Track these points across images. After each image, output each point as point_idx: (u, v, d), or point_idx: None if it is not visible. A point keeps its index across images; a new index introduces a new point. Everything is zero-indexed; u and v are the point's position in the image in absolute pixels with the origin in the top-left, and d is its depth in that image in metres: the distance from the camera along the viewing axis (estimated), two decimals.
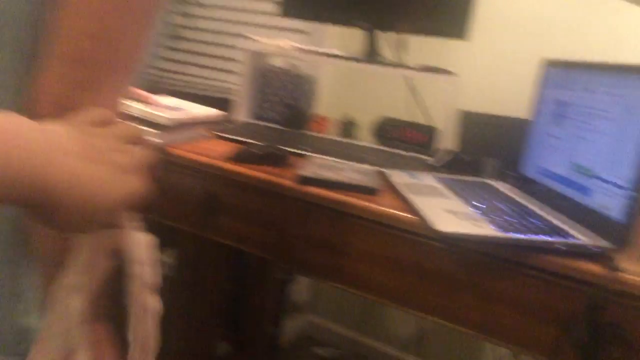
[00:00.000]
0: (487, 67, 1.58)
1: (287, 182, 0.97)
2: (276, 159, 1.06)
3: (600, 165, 0.85)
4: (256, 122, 1.45)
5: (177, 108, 1.13)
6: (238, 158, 1.04)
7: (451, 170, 1.23)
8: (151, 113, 1.05)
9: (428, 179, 1.05)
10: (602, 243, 0.77)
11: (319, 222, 0.97)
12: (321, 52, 1.39)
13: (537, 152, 1.06)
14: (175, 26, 2.10)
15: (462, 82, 1.29)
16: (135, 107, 1.06)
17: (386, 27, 1.39)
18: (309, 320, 2.21)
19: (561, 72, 1.01)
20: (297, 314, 2.19)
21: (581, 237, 0.79)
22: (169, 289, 1.52)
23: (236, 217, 1.05)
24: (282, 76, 1.50)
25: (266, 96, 1.51)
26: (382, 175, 1.07)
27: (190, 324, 1.58)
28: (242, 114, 1.46)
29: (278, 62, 1.58)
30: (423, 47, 1.53)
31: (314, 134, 1.42)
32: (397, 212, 0.89)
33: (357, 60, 1.37)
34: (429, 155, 1.28)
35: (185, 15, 2.11)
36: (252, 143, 1.07)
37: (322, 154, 1.17)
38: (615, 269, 0.73)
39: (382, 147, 1.32)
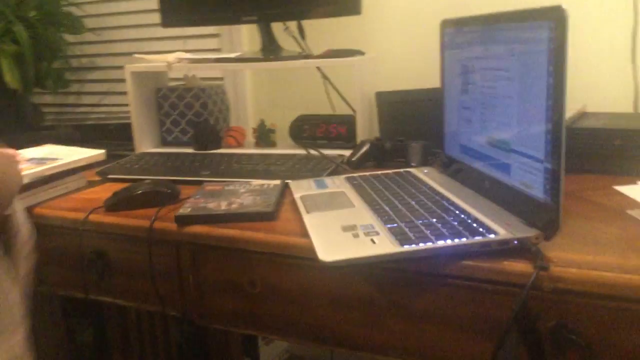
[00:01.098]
0: (392, 41, 1.40)
1: (167, 225, 0.82)
2: (161, 198, 0.91)
3: (514, 136, 0.71)
4: (162, 150, 1.30)
5: (43, 160, 0.98)
6: (111, 206, 0.89)
7: (374, 161, 1.08)
8: None
9: (337, 183, 0.91)
10: (526, 233, 0.63)
11: (214, 264, 0.83)
12: (211, 58, 1.24)
13: (455, 128, 0.91)
14: (68, 57, 1.94)
15: (372, 60, 1.14)
16: None
17: (277, 17, 1.23)
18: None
19: (457, 32, 0.86)
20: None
21: (502, 230, 0.64)
22: (116, 344, 1.38)
23: (126, 273, 0.91)
24: (183, 93, 1.35)
25: (172, 119, 1.36)
26: (287, 188, 0.93)
27: None
28: (142, 144, 1.31)
29: (178, 78, 1.43)
30: (325, 32, 1.38)
31: (227, 150, 1.27)
32: (291, 240, 0.74)
33: (252, 60, 1.22)
34: (352, 148, 1.13)
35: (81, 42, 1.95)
36: (130, 185, 0.92)
37: (223, 176, 1.02)
38: (543, 265, 0.58)
39: (297, 151, 1.17)
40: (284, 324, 0.80)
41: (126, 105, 1.31)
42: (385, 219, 0.72)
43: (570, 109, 1.03)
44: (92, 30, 1.86)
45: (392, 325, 0.72)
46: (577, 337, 0.61)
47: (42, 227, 0.93)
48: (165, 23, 1.29)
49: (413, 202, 0.77)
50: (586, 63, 1.18)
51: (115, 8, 1.85)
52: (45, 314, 1.08)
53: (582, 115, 1.06)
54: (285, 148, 1.25)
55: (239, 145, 1.33)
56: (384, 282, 0.71)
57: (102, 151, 1.05)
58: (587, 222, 0.72)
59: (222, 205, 0.83)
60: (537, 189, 0.66)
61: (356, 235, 0.67)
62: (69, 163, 0.99)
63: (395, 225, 0.69)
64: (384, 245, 0.63)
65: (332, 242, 0.65)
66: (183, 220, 0.80)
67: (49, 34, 1.69)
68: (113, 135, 1.75)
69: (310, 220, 0.74)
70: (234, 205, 0.83)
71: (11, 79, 1.49)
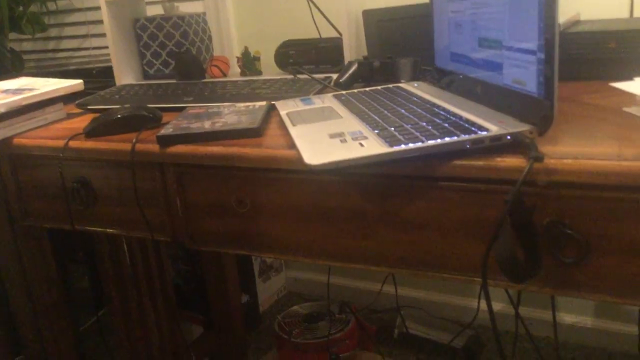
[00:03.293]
0: None
1: (150, 147, 0.80)
2: (144, 122, 0.87)
3: (507, 32, 0.67)
4: (143, 82, 1.25)
5: (19, 90, 0.94)
6: (91, 132, 0.86)
7: (363, 81, 1.05)
8: None
9: (326, 101, 0.88)
10: (520, 127, 0.60)
11: (200, 185, 0.80)
12: None
13: (445, 39, 0.87)
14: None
15: None
16: None
17: None
18: (290, 277, 2.08)
19: None
20: (274, 273, 2.06)
21: (494, 127, 0.62)
22: (113, 288, 1.37)
23: (112, 200, 0.88)
24: (164, 24, 1.29)
25: (152, 51, 1.31)
26: (273, 109, 0.90)
27: (149, 318, 1.44)
28: (123, 78, 1.27)
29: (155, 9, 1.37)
30: None
31: (212, 79, 1.23)
32: (278, 152, 0.71)
33: None
34: (339, 71, 1.09)
35: None
36: (110, 110, 0.89)
37: (207, 101, 0.98)
38: (537, 156, 0.56)
39: (284, 77, 1.13)
40: (276, 242, 0.78)
41: (107, 47, 1.26)
42: (373, 125, 0.69)
43: (564, 16, 0.99)
44: None
45: (385, 234, 0.70)
46: (574, 232, 0.59)
47: (22, 158, 0.90)
48: None
49: (402, 111, 0.75)
50: None
51: None
52: (35, 251, 1.06)
53: (576, 22, 1.02)
54: (272, 75, 1.21)
55: (224, 75, 1.29)
56: (374, 190, 0.69)
57: (80, 81, 1.01)
58: (583, 120, 0.70)
59: (206, 125, 0.80)
60: (530, 84, 0.63)
61: (344, 141, 0.64)
62: (46, 92, 0.95)
63: (384, 130, 0.66)
64: (372, 147, 0.61)
65: (319, 148, 0.63)
66: (165, 140, 0.77)
67: None
68: (95, 79, 1.71)
69: (296, 132, 0.71)
70: (217, 124, 0.80)
71: None
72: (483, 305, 1.67)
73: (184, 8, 1.44)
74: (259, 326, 1.91)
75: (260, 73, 1.27)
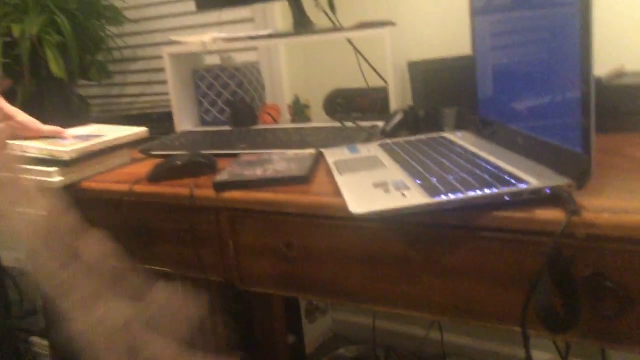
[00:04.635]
0: (421, 9, 1.40)
1: (205, 192, 0.85)
2: (200, 168, 0.94)
3: (546, 84, 0.70)
4: (200, 129, 1.33)
5: (89, 137, 1.03)
6: (153, 177, 0.92)
7: (409, 130, 1.09)
8: (49, 150, 0.94)
9: (371, 150, 0.92)
10: (558, 181, 0.63)
11: (251, 228, 0.85)
12: (244, 36, 1.26)
13: (488, 92, 0.91)
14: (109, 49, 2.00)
15: (403, 30, 1.14)
16: (31, 146, 0.96)
17: None
18: (336, 319, 2.09)
19: None
20: (321, 315, 2.08)
21: (533, 179, 0.64)
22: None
23: (169, 241, 0.94)
24: (220, 73, 1.38)
25: (209, 99, 1.40)
26: (321, 157, 0.94)
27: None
28: (182, 124, 1.35)
29: (214, 60, 1.46)
30: (355, 5, 1.38)
31: (263, 126, 1.29)
32: (325, 199, 0.76)
33: (283, 35, 1.23)
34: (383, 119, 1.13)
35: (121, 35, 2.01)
36: (170, 155, 0.95)
37: (259, 148, 1.04)
38: (575, 210, 0.58)
39: (332, 124, 1.19)
40: (322, 285, 0.81)
41: (167, 94, 1.35)
42: (416, 175, 0.72)
43: (608, 67, 1.01)
44: (132, 21, 1.92)
45: (427, 281, 0.73)
46: (614, 285, 0.60)
47: (87, 201, 0.98)
48: (200, 7, 1.32)
49: (444, 161, 0.78)
50: (626, 21, 1.15)
51: None
52: None
53: (620, 74, 1.04)
54: (320, 122, 1.26)
55: (275, 122, 1.36)
56: (416, 238, 0.72)
57: (144, 129, 1.09)
58: (623, 172, 0.71)
59: (258, 172, 0.85)
60: (567, 138, 0.65)
61: (387, 190, 0.68)
62: (113, 139, 1.03)
63: (425, 180, 0.70)
64: (414, 197, 0.64)
65: (363, 197, 0.67)
66: (220, 186, 0.83)
67: (90, 25, 1.75)
68: (156, 124, 1.81)
69: (342, 180, 0.75)
70: (268, 172, 0.85)
71: (57, 69, 1.56)
72: (533, 354, 1.64)
73: (239, 57, 1.53)
74: None
75: (309, 120, 1.33)
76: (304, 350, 1.95)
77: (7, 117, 0.94)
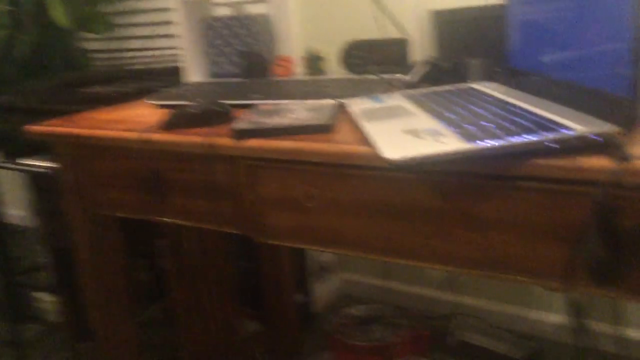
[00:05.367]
0: None
1: (223, 141, 0.81)
2: (215, 117, 0.89)
3: (589, 32, 0.65)
4: (210, 80, 1.28)
5: None
6: (168, 125, 0.88)
7: (432, 82, 1.04)
8: None
9: (396, 99, 0.87)
10: (605, 128, 0.59)
11: (271, 179, 0.81)
12: None
13: (521, 39, 0.86)
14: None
15: None
16: None
17: None
18: (345, 279, 2.08)
19: None
20: (329, 274, 2.06)
21: (578, 126, 0.60)
22: (174, 281, 1.41)
23: (183, 192, 0.91)
24: (230, 24, 1.32)
25: (218, 50, 1.34)
26: (342, 107, 0.90)
27: (207, 311, 1.47)
28: (193, 76, 1.30)
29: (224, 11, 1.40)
30: None
31: (277, 78, 1.24)
32: (352, 147, 0.72)
33: None
34: (405, 72, 1.09)
35: None
36: (184, 105, 0.91)
37: (274, 98, 1.00)
38: (625, 157, 0.54)
39: (350, 76, 1.14)
40: (343, 238, 0.78)
41: (171, 48, 1.30)
42: (449, 123, 0.68)
43: None
44: None
45: (459, 234, 0.70)
46: None
47: (98, 148, 0.94)
48: None
49: (477, 109, 0.74)
50: None
51: None
52: (107, 241, 1.10)
53: None
54: (333, 75, 1.22)
55: (288, 75, 1.31)
56: (448, 189, 0.68)
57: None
58: None
59: (278, 120, 0.81)
60: (616, 85, 0.61)
61: (421, 137, 0.64)
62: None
63: (461, 127, 0.65)
64: (452, 143, 0.60)
65: (397, 144, 0.63)
66: (240, 133, 0.79)
67: None
68: (163, 78, 1.76)
69: (370, 128, 0.71)
70: (289, 120, 0.81)
71: (60, 16, 1.49)
72: (544, 316, 1.63)
73: (250, 9, 1.47)
74: (312, 326, 1.91)
75: (323, 73, 1.28)
76: (312, 309, 1.95)
77: None
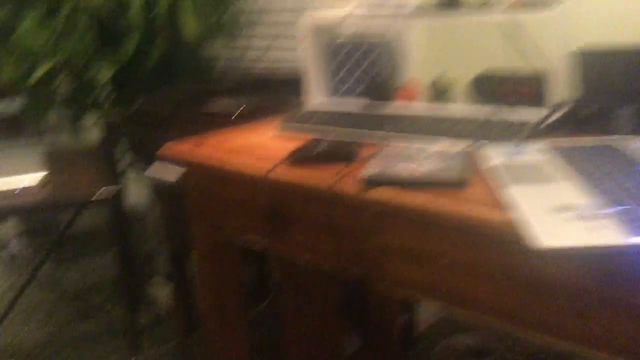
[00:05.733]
0: None
1: (350, 189, 0.80)
2: (342, 155, 0.89)
3: None
4: (334, 103, 1.28)
5: None
6: (294, 160, 0.88)
7: (570, 128, 0.97)
8: None
9: (536, 152, 0.82)
10: None
11: (401, 229, 0.79)
12: (383, 14, 1.18)
13: None
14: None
15: (573, 12, 1.01)
16: None
17: None
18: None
19: None
20: None
21: None
22: (281, 295, 1.43)
23: (303, 227, 0.91)
24: (355, 48, 1.31)
25: (341, 71, 1.33)
26: (473, 155, 0.85)
27: (311, 324, 1.48)
28: (314, 96, 1.30)
29: (350, 32, 1.39)
30: None
31: (401, 104, 1.22)
32: (492, 215, 0.67)
33: (427, 14, 1.13)
34: (540, 113, 1.01)
35: None
36: (312, 140, 0.91)
37: (401, 131, 0.97)
38: None
39: (478, 111, 1.08)
40: (475, 301, 0.74)
41: (290, 58, 1.31)
42: (609, 197, 0.62)
43: None
44: None
45: (601, 319, 0.64)
46: None
47: (226, 177, 0.97)
48: None
49: (632, 182, 0.67)
50: None
51: None
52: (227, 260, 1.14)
53: None
54: (463, 105, 1.17)
55: (411, 101, 1.27)
56: (597, 272, 0.63)
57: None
58: None
59: (408, 168, 0.78)
60: None
61: (578, 219, 0.59)
62: None
63: (622, 208, 0.59)
64: (614, 234, 0.55)
65: (550, 225, 0.58)
66: (372, 183, 0.77)
67: None
68: (276, 89, 1.78)
69: (514, 194, 0.67)
70: (421, 170, 0.78)
71: (190, 26, 1.55)
72: None
73: (374, 34, 1.45)
74: (414, 348, 1.87)
75: (449, 102, 1.23)
76: (415, 330, 1.90)
77: None
